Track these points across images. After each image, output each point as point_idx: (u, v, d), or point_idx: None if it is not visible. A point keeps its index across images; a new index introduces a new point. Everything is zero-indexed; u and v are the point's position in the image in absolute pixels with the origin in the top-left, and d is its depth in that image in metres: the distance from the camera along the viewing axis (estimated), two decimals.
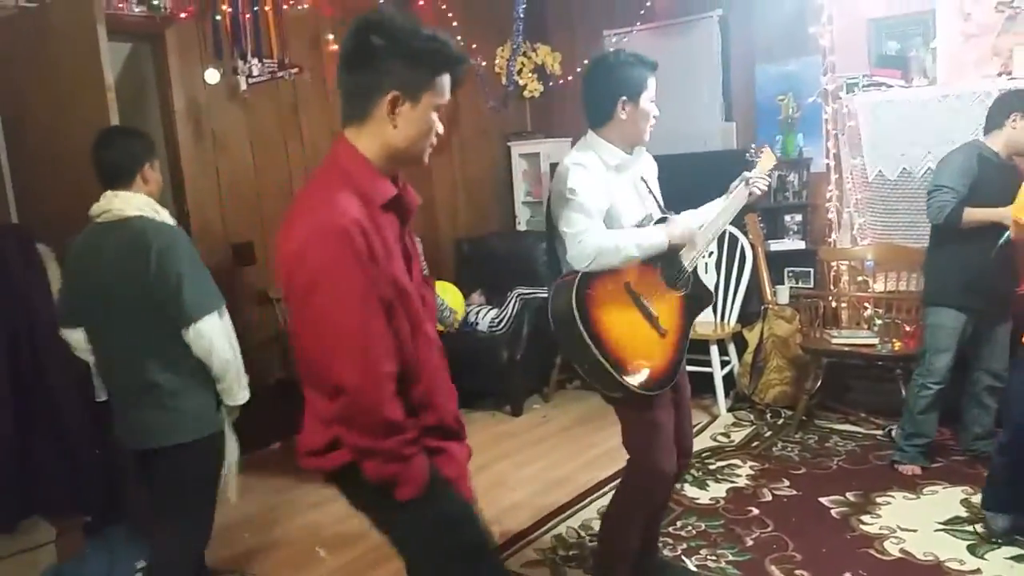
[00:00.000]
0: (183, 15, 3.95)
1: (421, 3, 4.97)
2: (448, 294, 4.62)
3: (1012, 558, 2.76)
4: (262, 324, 4.22)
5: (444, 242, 5.26)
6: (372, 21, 1.49)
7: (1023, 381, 2.89)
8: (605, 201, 2.32)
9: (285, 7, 4.30)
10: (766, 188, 2.63)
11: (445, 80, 1.53)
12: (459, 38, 5.03)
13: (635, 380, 2.27)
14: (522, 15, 4.63)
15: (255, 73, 4.20)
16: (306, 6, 4.48)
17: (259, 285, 4.24)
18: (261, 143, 4.31)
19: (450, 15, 4.99)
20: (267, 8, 4.20)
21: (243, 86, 4.17)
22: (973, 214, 3.24)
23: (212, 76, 4.05)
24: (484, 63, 5.27)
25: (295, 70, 4.33)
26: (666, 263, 2.43)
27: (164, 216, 2.35)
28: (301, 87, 4.45)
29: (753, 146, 2.70)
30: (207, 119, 4.09)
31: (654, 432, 2.39)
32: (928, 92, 4.00)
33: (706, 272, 4.63)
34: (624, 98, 2.31)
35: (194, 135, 4.05)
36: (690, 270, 2.48)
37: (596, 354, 2.23)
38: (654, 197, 2.51)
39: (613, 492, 2.63)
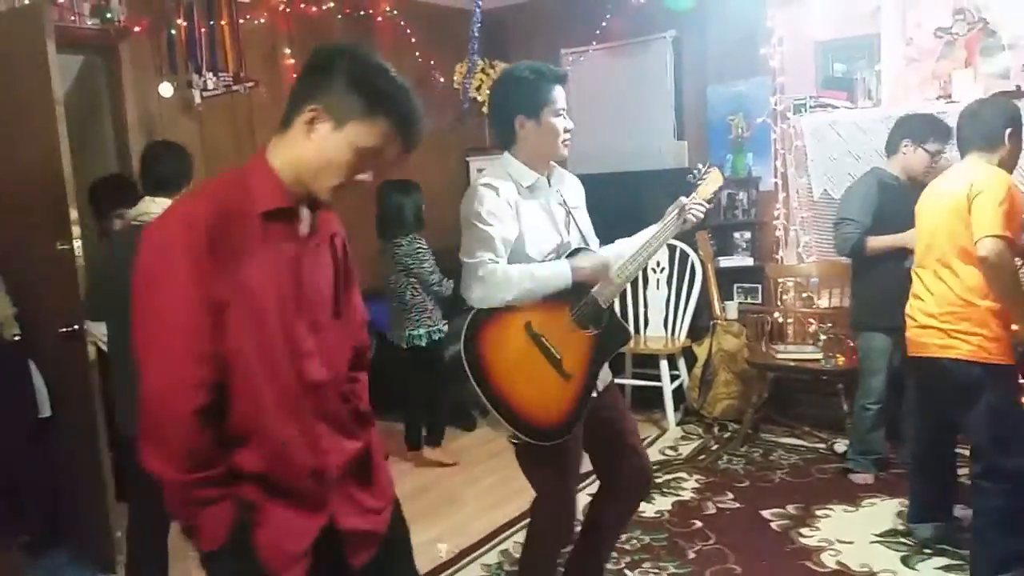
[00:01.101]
0: (137, 28, 3.95)
1: (380, 20, 5.01)
2: None
3: (941, 567, 2.86)
4: None
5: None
6: (350, 48, 1.43)
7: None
8: (512, 230, 2.16)
9: (241, 21, 4.32)
10: (702, 215, 2.41)
11: (380, 124, 1.40)
12: (417, 54, 5.10)
13: (529, 429, 2.12)
14: (477, 33, 4.68)
15: (210, 87, 4.22)
16: (263, 20, 4.50)
17: None
18: (216, 157, 4.30)
19: (408, 31, 5.04)
20: (223, 22, 4.22)
21: (197, 100, 4.18)
22: (876, 242, 3.45)
23: (166, 90, 4.05)
24: (443, 79, 5.31)
25: (251, 84, 4.35)
26: (576, 300, 2.23)
27: None
28: (257, 101, 4.46)
29: (700, 166, 2.56)
30: (161, 132, 4.07)
31: (553, 480, 2.27)
32: (872, 113, 4.11)
33: (657, 288, 4.72)
34: (521, 116, 2.18)
35: None
36: (605, 307, 2.27)
37: (485, 402, 2.07)
38: (575, 223, 2.34)
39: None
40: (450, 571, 3.03)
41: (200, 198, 1.41)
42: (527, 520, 3.31)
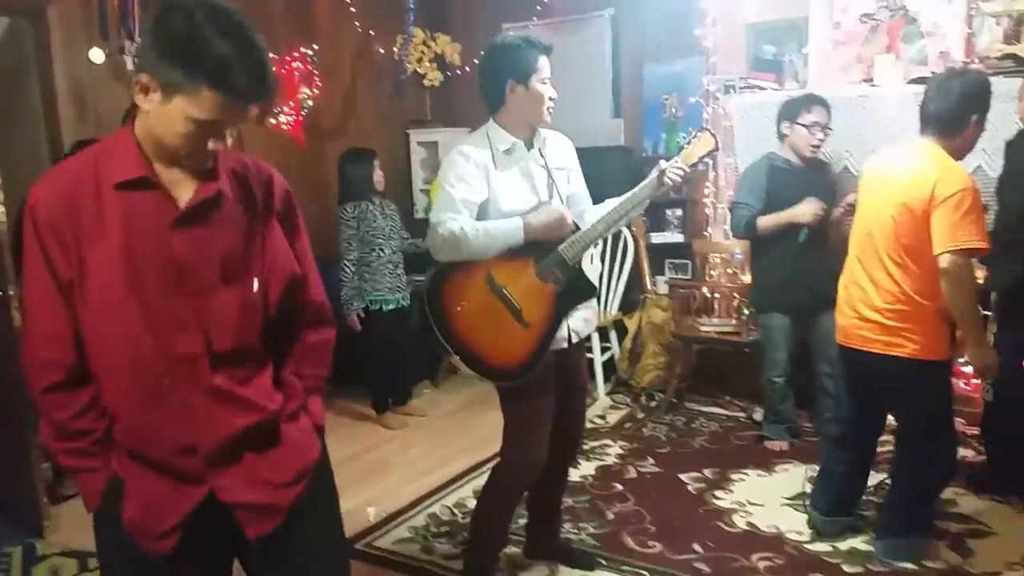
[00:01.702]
0: None
1: None
2: None
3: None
4: None
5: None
6: (171, 3, 1.30)
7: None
8: (479, 194, 2.33)
9: None
10: (680, 178, 2.40)
11: (206, 95, 1.28)
12: (356, 24, 5.09)
13: (487, 371, 2.33)
14: (413, 5, 4.70)
15: None
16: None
17: None
18: None
19: (348, 2, 5.02)
20: None
21: (130, 66, 4.12)
22: (766, 221, 3.61)
23: (97, 55, 3.98)
24: (383, 51, 5.31)
25: None
26: (540, 255, 2.37)
27: None
28: None
29: (691, 130, 2.53)
30: (91, 99, 4.02)
31: (527, 422, 2.45)
32: (798, 94, 4.24)
33: (591, 263, 4.82)
34: (512, 80, 2.33)
35: (77, 115, 3.97)
36: (571, 262, 2.39)
37: (446, 345, 2.28)
38: (556, 185, 2.45)
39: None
40: (378, 533, 3.12)
41: (44, 181, 1.40)
42: (456, 485, 3.50)
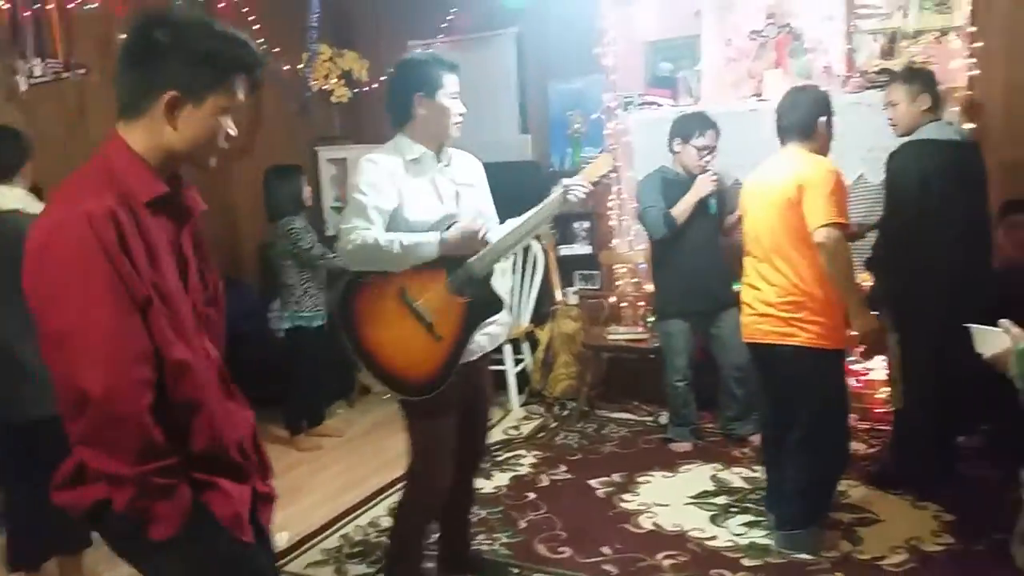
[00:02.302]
0: None
1: (222, 5, 4.93)
2: None
3: (744, 524, 3.17)
4: None
5: (246, 247, 5.24)
6: (158, 17, 1.41)
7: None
8: (390, 201, 2.35)
9: (71, 5, 4.16)
10: (584, 195, 2.48)
11: (237, 82, 1.44)
12: (261, 41, 5.04)
13: (398, 385, 2.36)
14: (316, 23, 4.72)
15: (37, 73, 4.05)
16: (96, 5, 4.34)
17: None
18: (43, 146, 4.12)
19: (251, 18, 4.97)
20: (50, 6, 4.06)
21: (23, 87, 4.01)
22: (679, 208, 3.82)
23: None
24: (287, 67, 5.29)
25: (82, 70, 4.20)
26: (452, 268, 2.40)
27: (39, 208, 2.44)
28: (89, 89, 4.31)
29: (591, 151, 2.79)
30: None
31: (434, 441, 2.48)
32: (692, 110, 4.41)
33: (503, 276, 4.91)
34: (420, 94, 2.37)
35: None
36: (480, 275, 2.43)
37: (358, 360, 2.31)
38: (466, 200, 2.49)
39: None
40: (291, 557, 3.10)
41: (95, 193, 1.35)
42: (368, 506, 3.51)
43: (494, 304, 2.51)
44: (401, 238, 2.31)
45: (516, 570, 2.90)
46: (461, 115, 2.44)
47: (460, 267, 2.41)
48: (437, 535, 2.85)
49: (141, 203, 1.39)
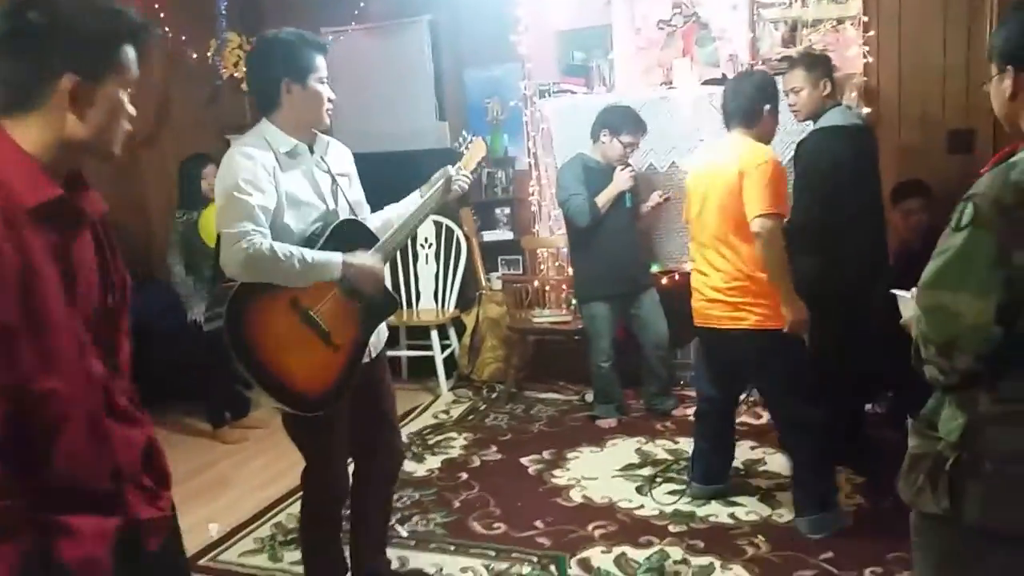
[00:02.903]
0: None
1: None
2: None
3: (669, 492, 3.31)
4: None
5: (159, 242, 5.08)
6: None
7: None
8: (272, 199, 2.12)
9: None
10: (467, 186, 2.50)
11: (129, 53, 1.33)
12: (167, 29, 4.91)
13: (296, 401, 2.16)
14: (224, 11, 4.61)
15: None
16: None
17: None
18: None
19: (156, 5, 4.82)
20: None
21: None
22: (601, 198, 3.95)
23: None
24: (195, 55, 5.15)
25: None
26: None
27: None
28: None
29: (466, 135, 2.68)
30: None
31: (327, 452, 2.33)
32: (607, 98, 4.46)
33: (426, 263, 4.95)
34: (288, 79, 2.15)
35: None
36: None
37: (252, 374, 2.08)
38: (342, 191, 2.33)
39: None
40: (223, 547, 3.07)
41: None
42: (296, 496, 3.45)
43: (389, 304, 2.39)
44: (302, 253, 2.11)
45: (452, 547, 2.94)
46: (331, 100, 2.24)
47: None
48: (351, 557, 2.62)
49: (23, 211, 1.23)
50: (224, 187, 2.10)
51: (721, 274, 2.87)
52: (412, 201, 2.48)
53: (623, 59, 4.62)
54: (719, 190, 2.83)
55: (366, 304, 2.27)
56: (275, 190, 2.14)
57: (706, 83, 4.28)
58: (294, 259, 2.09)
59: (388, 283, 2.42)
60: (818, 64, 3.35)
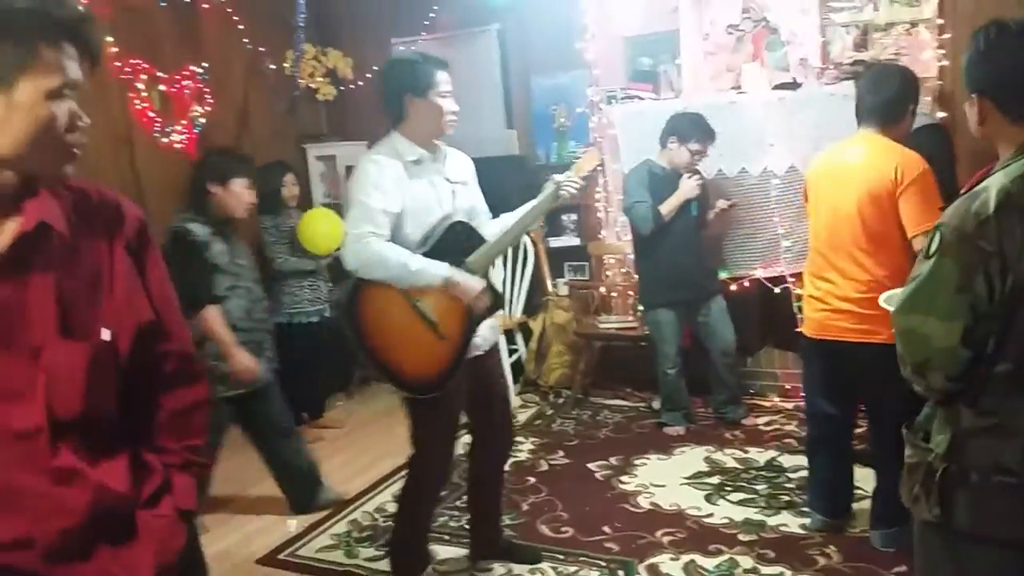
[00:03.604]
0: None
1: (206, 6, 4.96)
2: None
3: (737, 502, 3.30)
4: None
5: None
6: None
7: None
8: (396, 203, 2.37)
9: None
10: (576, 191, 2.61)
11: (48, 52, 1.10)
12: (246, 41, 5.10)
13: (406, 384, 2.43)
14: (302, 24, 4.78)
15: None
16: (81, 8, 4.36)
17: None
18: None
19: (236, 18, 5.02)
20: None
21: None
22: (666, 206, 3.94)
23: None
24: (274, 66, 5.33)
25: None
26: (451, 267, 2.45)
27: None
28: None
29: (580, 146, 2.88)
30: None
31: (436, 436, 2.56)
32: (674, 104, 4.48)
33: (493, 267, 5.01)
34: (410, 94, 2.40)
35: None
36: (480, 274, 2.49)
37: (366, 357, 2.39)
38: (460, 197, 2.54)
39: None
40: (301, 543, 3.19)
41: None
42: (375, 491, 3.60)
43: (494, 302, 2.57)
44: (410, 261, 2.35)
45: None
46: (454, 113, 2.46)
47: (459, 268, 2.46)
48: (468, 521, 2.95)
49: None
50: (352, 191, 2.39)
51: (854, 283, 2.65)
52: (523, 209, 2.63)
53: (691, 64, 4.62)
54: (862, 195, 2.60)
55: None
56: (400, 195, 2.38)
57: (777, 88, 4.25)
58: (402, 265, 2.34)
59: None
60: None
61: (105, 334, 1.21)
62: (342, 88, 5.64)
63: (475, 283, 2.45)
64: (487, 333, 2.62)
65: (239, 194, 3.15)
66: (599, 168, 4.86)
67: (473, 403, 2.66)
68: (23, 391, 1.13)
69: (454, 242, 2.46)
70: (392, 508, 3.42)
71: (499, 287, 2.72)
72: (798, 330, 3.13)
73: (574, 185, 2.60)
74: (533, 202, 2.60)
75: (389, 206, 2.35)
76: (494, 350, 2.72)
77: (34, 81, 1.10)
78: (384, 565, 2.93)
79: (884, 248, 2.61)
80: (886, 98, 2.64)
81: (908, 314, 1.46)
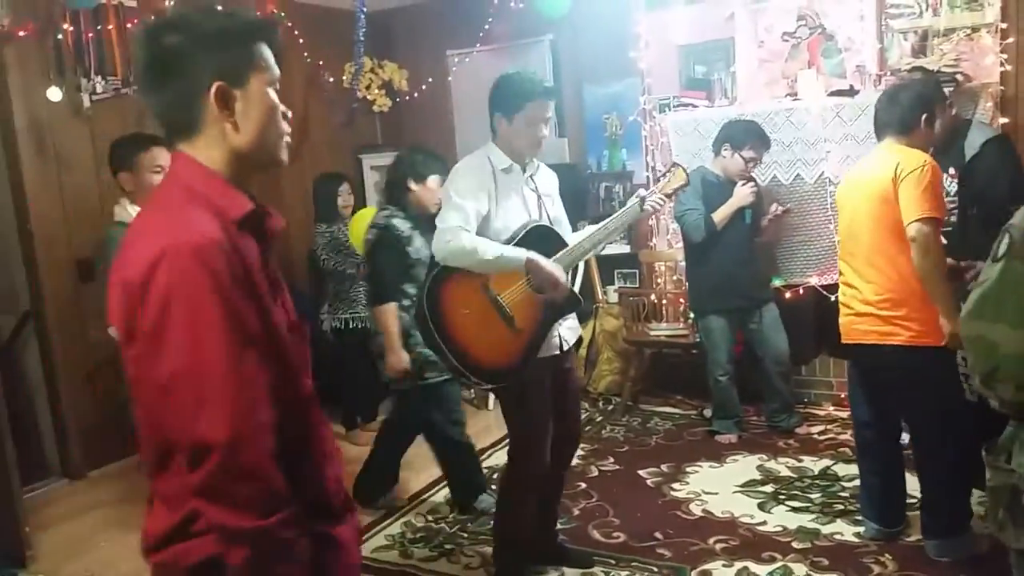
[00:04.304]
0: (22, 33, 3.95)
1: None
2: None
3: (791, 510, 3.28)
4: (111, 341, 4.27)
5: (297, 254, 5.41)
6: (158, 25, 1.28)
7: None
8: (484, 203, 2.51)
9: (129, 25, 4.37)
10: (661, 205, 2.76)
11: (265, 52, 1.31)
12: (306, 55, 5.25)
13: (478, 372, 2.52)
14: (362, 37, 4.89)
15: (99, 90, 4.27)
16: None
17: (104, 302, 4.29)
18: (106, 159, 4.35)
19: (296, 32, 5.17)
20: (110, 27, 4.27)
21: (87, 103, 4.23)
22: (719, 214, 3.93)
23: (54, 94, 4.07)
24: (332, 79, 5.47)
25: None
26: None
27: None
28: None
29: (665, 165, 2.92)
30: (50, 137, 4.11)
31: (530, 428, 2.64)
32: (729, 111, 4.48)
33: (572, 273, 5.05)
34: (499, 115, 2.56)
35: (37, 153, 4.07)
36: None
37: (439, 342, 2.46)
38: (545, 208, 2.68)
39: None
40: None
41: (191, 219, 1.23)
42: (427, 494, 3.65)
43: (572, 302, 2.67)
44: (494, 249, 2.46)
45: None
46: (539, 140, 2.56)
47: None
48: None
49: (231, 222, 1.26)
50: (446, 191, 2.57)
51: (872, 286, 2.73)
52: (607, 221, 2.74)
53: (746, 71, 4.62)
54: (872, 199, 2.71)
55: (551, 298, 2.56)
56: (487, 198, 2.54)
57: (832, 94, 4.22)
58: (487, 252, 2.45)
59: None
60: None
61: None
62: (397, 99, 5.76)
63: (555, 268, 2.51)
64: (566, 333, 2.72)
65: (435, 191, 3.30)
66: (648, 176, 4.89)
67: (558, 399, 2.75)
68: (304, 362, 1.37)
69: (536, 242, 2.56)
70: (445, 510, 3.49)
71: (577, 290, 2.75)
72: None
73: (659, 201, 2.74)
74: (617, 214, 2.72)
75: (480, 207, 2.51)
76: (570, 352, 2.78)
77: (258, 77, 1.30)
78: (437, 565, 2.99)
79: (898, 248, 2.65)
80: (898, 110, 2.75)
81: (976, 320, 1.40)
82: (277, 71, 1.34)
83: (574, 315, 2.78)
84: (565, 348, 2.71)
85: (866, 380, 2.93)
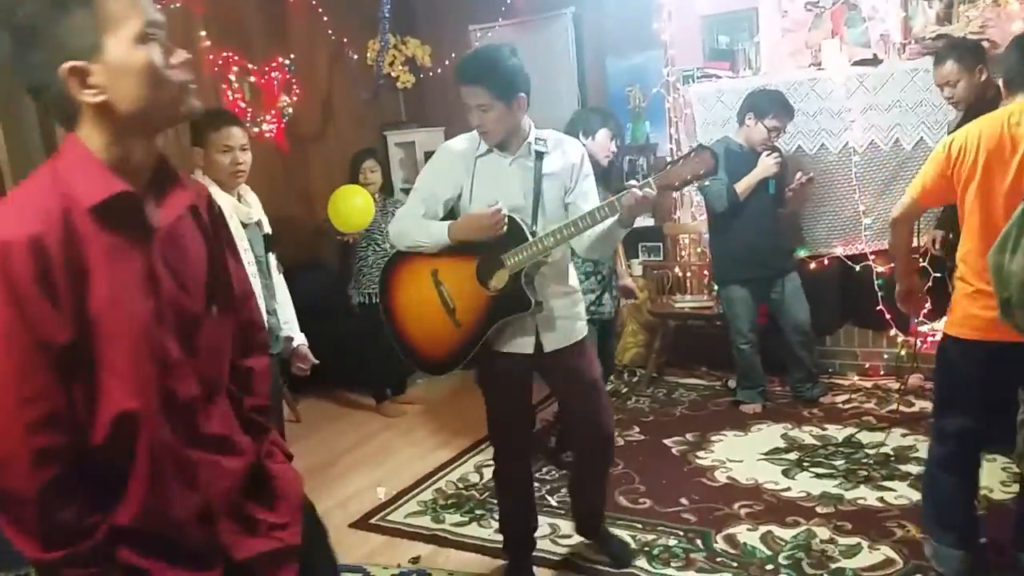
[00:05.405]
0: None
1: (292, 0, 5.17)
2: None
3: (815, 476, 3.32)
4: None
5: (324, 229, 5.50)
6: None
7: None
8: (449, 189, 2.42)
9: (158, 6, 4.42)
10: (651, 196, 2.24)
11: (110, 2, 1.11)
12: (330, 32, 5.29)
13: (417, 361, 2.60)
14: (388, 14, 4.92)
15: None
16: (178, 4, 4.61)
17: None
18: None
19: (320, 11, 5.21)
20: None
21: None
22: (742, 184, 3.93)
23: None
24: (356, 56, 5.51)
25: None
26: (483, 256, 2.37)
27: None
28: None
29: (689, 136, 2.82)
30: None
31: (494, 415, 2.62)
32: (753, 81, 4.44)
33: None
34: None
35: None
36: (511, 272, 2.34)
37: (388, 328, 2.55)
38: (540, 189, 2.38)
39: None
40: (390, 509, 3.36)
41: (20, 212, 1.11)
42: (458, 462, 3.75)
43: (520, 303, 2.37)
44: (422, 225, 2.41)
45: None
46: (476, 126, 2.36)
47: (488, 259, 2.37)
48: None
49: (83, 211, 1.11)
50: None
51: None
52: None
53: (769, 42, 4.60)
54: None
55: (498, 295, 2.38)
56: (455, 180, 2.44)
57: (856, 64, 4.20)
58: (420, 231, 2.41)
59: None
60: (969, 53, 3.30)
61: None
62: (420, 76, 5.79)
63: (474, 216, 2.32)
64: (548, 338, 2.47)
65: (605, 145, 3.49)
66: (672, 148, 4.90)
67: (560, 397, 2.81)
68: (184, 365, 1.22)
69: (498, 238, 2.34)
70: (475, 478, 3.58)
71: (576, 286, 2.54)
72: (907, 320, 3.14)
73: (649, 193, 2.26)
74: (585, 213, 2.29)
75: (437, 190, 2.44)
76: (568, 351, 2.52)
77: (114, 36, 1.11)
78: (468, 530, 3.09)
79: None
80: (1008, 67, 2.28)
81: (997, 253, 1.54)
82: (145, 13, 1.13)
83: (581, 311, 2.56)
84: (547, 350, 2.47)
85: (995, 383, 2.31)
